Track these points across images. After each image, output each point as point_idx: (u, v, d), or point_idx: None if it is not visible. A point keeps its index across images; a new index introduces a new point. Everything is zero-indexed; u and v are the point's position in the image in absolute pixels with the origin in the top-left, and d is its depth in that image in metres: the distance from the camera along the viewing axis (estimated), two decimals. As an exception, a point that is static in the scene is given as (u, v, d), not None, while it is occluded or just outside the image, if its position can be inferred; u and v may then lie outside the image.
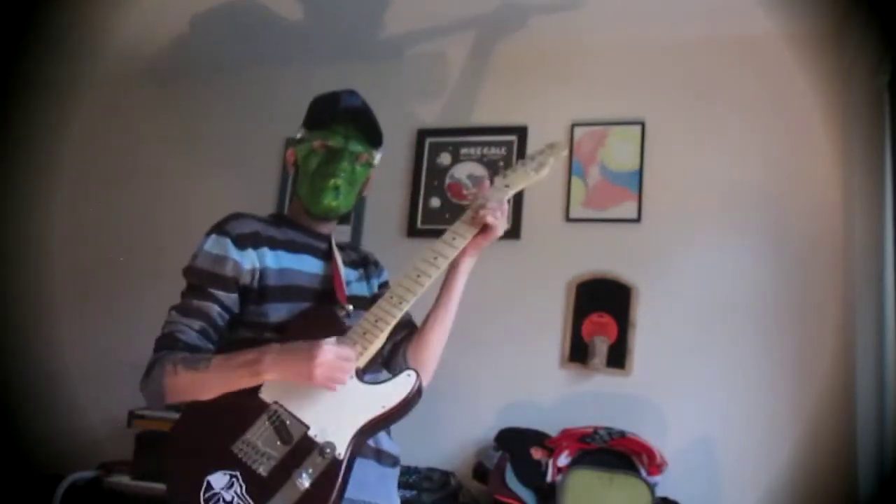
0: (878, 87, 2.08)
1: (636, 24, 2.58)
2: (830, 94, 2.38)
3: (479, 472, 2.39)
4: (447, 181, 2.82)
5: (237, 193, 3.08)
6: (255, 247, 1.45)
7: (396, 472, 1.52)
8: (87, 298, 3.18)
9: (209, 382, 1.31)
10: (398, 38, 2.83)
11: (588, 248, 2.59)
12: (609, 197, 2.61)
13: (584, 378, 2.51)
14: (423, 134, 2.88)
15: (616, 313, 2.51)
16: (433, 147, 2.85)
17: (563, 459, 2.24)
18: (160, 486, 2.31)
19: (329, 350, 1.26)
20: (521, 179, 1.53)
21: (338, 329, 1.38)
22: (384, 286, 1.69)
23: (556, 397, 2.52)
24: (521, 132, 2.76)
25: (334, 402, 1.31)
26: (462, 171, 2.81)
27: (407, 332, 1.58)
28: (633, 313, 2.49)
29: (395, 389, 1.34)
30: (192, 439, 1.34)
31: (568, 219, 2.64)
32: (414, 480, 2.33)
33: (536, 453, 2.28)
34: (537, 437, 2.33)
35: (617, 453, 2.23)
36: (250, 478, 1.25)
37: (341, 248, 1.63)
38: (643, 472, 2.18)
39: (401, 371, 1.37)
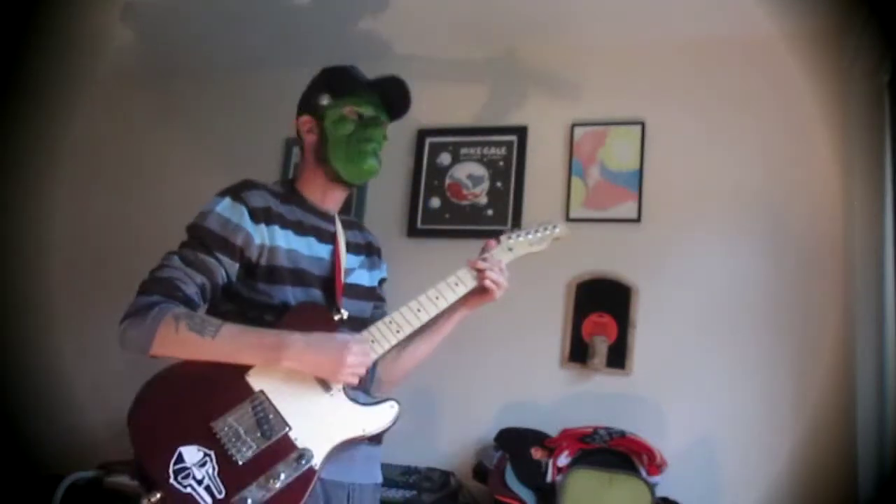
0: (878, 87, 2.08)
1: (636, 24, 2.58)
2: (830, 94, 2.38)
3: (479, 472, 2.39)
4: (447, 181, 2.82)
5: (237, 193, 3.08)
6: (268, 223, 1.43)
7: (380, 449, 1.52)
8: (88, 298, 3.18)
9: (212, 351, 1.27)
10: (398, 38, 2.83)
11: (588, 248, 2.59)
12: (609, 197, 2.61)
13: (584, 378, 2.51)
14: (423, 134, 2.87)
15: (616, 313, 2.51)
16: (433, 147, 2.85)
17: (563, 459, 2.24)
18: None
19: (357, 352, 1.30)
20: (523, 248, 1.64)
21: (324, 327, 1.38)
22: (383, 283, 1.70)
23: (556, 397, 2.52)
24: (521, 132, 2.76)
25: (318, 410, 1.32)
26: (462, 171, 2.81)
27: None
28: (633, 313, 2.49)
29: (377, 417, 1.37)
30: (170, 401, 1.27)
31: (568, 219, 2.64)
32: (414, 480, 2.33)
33: (536, 453, 2.28)
34: (537, 437, 2.33)
35: (617, 453, 2.23)
36: (225, 462, 1.22)
37: (348, 226, 1.62)
38: (643, 472, 2.18)
39: (384, 399, 1.40)
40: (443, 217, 2.78)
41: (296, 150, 3.03)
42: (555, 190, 2.67)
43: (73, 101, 3.39)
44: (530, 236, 1.64)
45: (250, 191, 1.45)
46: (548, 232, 1.67)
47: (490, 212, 2.74)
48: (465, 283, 1.51)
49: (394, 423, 1.38)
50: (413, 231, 2.81)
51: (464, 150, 2.83)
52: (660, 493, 2.18)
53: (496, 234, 1.62)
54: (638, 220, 2.56)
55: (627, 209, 2.58)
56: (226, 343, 1.27)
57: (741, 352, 2.37)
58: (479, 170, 2.79)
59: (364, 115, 1.54)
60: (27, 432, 2.98)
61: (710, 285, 2.44)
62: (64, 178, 3.35)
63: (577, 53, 2.74)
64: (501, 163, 2.77)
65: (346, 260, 1.53)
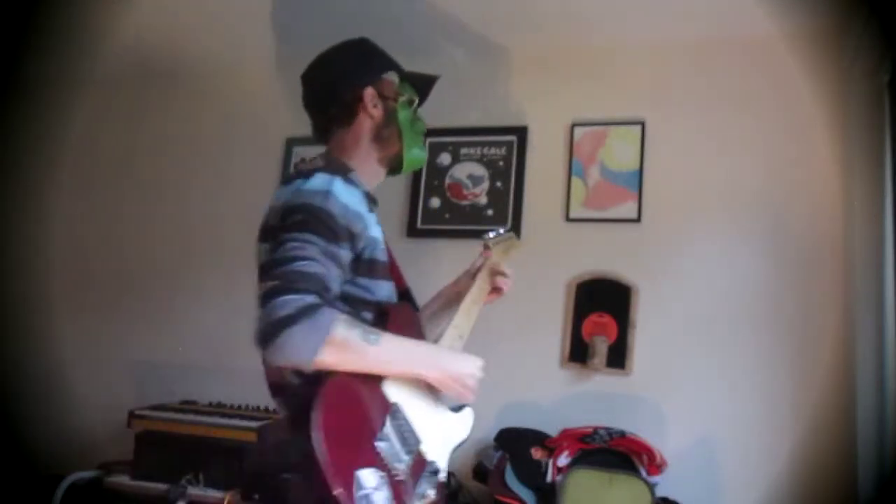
0: (878, 87, 2.08)
1: (636, 25, 2.58)
2: (830, 94, 2.38)
3: (479, 472, 2.39)
4: (447, 181, 2.82)
5: (237, 193, 3.09)
6: (370, 210, 1.34)
7: None
8: (88, 299, 3.18)
9: (374, 361, 1.16)
10: (397, 38, 2.82)
11: (588, 248, 2.59)
12: (609, 197, 2.61)
13: (584, 378, 2.51)
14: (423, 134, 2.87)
15: (616, 313, 2.51)
16: (433, 147, 2.85)
17: (563, 459, 2.24)
18: (160, 486, 2.34)
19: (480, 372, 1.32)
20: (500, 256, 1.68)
21: (417, 333, 1.37)
22: None
23: (556, 397, 2.52)
24: (521, 132, 2.76)
25: (434, 420, 1.31)
26: (462, 171, 2.81)
27: None
28: (633, 313, 2.49)
29: (466, 422, 1.41)
30: (340, 424, 1.12)
31: (568, 219, 2.64)
32: (414, 480, 2.33)
33: (536, 453, 2.28)
34: (537, 437, 2.33)
35: (617, 453, 2.23)
36: (392, 481, 1.15)
37: None
38: (643, 472, 2.18)
39: (463, 405, 1.41)
40: (443, 217, 2.79)
41: (296, 150, 3.03)
42: (555, 190, 2.67)
43: (72, 101, 3.40)
44: (503, 247, 1.70)
45: (353, 172, 1.34)
46: (504, 241, 1.71)
47: (490, 212, 2.74)
48: (489, 282, 1.57)
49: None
50: (413, 231, 2.81)
51: (464, 150, 2.83)
52: (660, 493, 2.18)
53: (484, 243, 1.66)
54: (638, 220, 2.55)
55: (627, 209, 2.58)
56: (386, 352, 1.18)
57: (741, 352, 2.37)
58: (479, 170, 2.79)
59: (415, 105, 1.52)
60: (27, 432, 2.98)
61: (710, 285, 2.44)
62: (63, 179, 3.35)
63: (577, 53, 2.74)
64: (501, 163, 2.77)
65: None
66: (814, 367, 2.28)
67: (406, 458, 1.20)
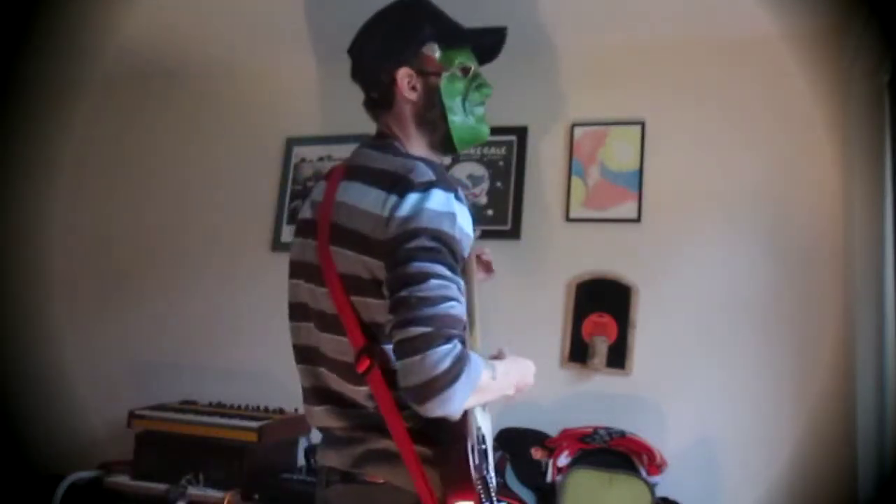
0: (878, 87, 2.08)
1: (636, 25, 2.58)
2: (830, 94, 2.38)
3: (479, 472, 2.39)
4: (447, 181, 2.81)
5: (237, 193, 3.09)
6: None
7: None
8: (87, 299, 3.18)
9: (493, 394, 1.17)
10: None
11: (588, 248, 2.59)
12: (609, 197, 2.61)
13: (584, 378, 2.51)
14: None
15: (616, 313, 2.51)
16: (433, 147, 2.85)
17: (563, 459, 2.24)
18: (160, 486, 2.34)
19: None
20: None
21: None
22: None
23: (556, 397, 2.52)
24: (521, 132, 2.76)
25: (484, 425, 1.25)
26: (462, 171, 2.81)
27: None
28: (633, 313, 2.49)
29: (488, 416, 1.33)
30: (452, 463, 1.11)
31: (568, 219, 2.64)
32: (414, 480, 2.33)
33: (536, 453, 2.29)
34: (537, 437, 2.33)
35: (617, 453, 2.23)
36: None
37: None
38: (643, 472, 2.19)
39: None
40: (443, 217, 2.78)
41: (296, 150, 3.03)
42: (555, 190, 2.67)
43: (73, 101, 3.40)
44: None
45: (450, 176, 1.24)
46: None
47: (490, 212, 2.74)
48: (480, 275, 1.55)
49: None
50: (413, 231, 2.80)
51: (464, 150, 2.82)
52: (660, 493, 2.18)
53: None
54: (638, 220, 2.55)
55: (627, 209, 2.58)
56: (501, 383, 1.17)
57: (741, 352, 2.37)
58: (479, 170, 2.79)
59: (473, 71, 1.35)
60: (27, 432, 2.98)
61: (710, 285, 2.44)
62: (64, 179, 3.35)
63: (577, 53, 2.74)
64: (501, 163, 2.77)
65: None
66: (814, 367, 2.28)
67: (493, 474, 1.21)
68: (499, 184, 2.75)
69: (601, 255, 2.57)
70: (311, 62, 3.02)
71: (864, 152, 2.12)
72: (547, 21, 2.61)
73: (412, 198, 1.10)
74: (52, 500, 2.40)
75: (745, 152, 2.49)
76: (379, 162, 1.21)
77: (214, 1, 2.65)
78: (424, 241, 1.07)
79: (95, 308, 3.16)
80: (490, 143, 2.79)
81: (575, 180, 2.66)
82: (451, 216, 1.10)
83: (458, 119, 1.31)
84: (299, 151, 3.02)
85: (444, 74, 1.30)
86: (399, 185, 1.12)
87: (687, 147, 2.56)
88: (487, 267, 1.62)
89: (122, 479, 2.45)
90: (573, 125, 2.70)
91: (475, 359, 1.06)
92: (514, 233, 2.66)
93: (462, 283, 1.10)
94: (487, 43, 1.39)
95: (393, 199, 1.11)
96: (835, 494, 2.14)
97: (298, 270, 1.26)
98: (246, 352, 2.88)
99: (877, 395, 1.96)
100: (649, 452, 2.20)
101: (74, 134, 3.38)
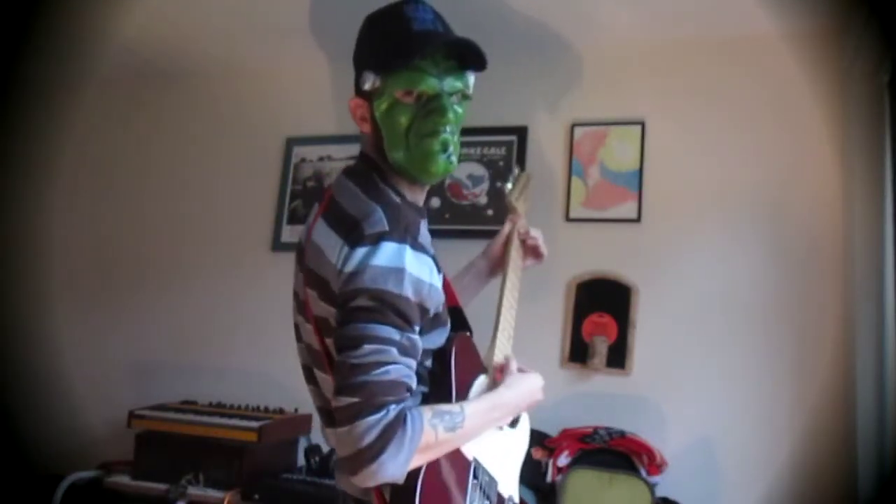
0: (878, 87, 2.08)
1: (636, 24, 2.58)
2: (830, 94, 2.38)
3: (479, 472, 2.39)
4: (447, 181, 2.81)
5: (237, 193, 3.09)
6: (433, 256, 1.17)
7: None
8: (87, 299, 3.18)
9: (462, 441, 1.12)
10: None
11: (588, 248, 2.59)
12: (609, 197, 2.61)
13: (584, 378, 2.51)
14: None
15: (616, 313, 2.51)
16: (433, 147, 2.85)
17: (563, 459, 2.24)
18: (160, 486, 2.34)
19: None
20: (524, 207, 1.63)
21: (479, 359, 1.28)
22: None
23: (556, 397, 2.52)
24: (521, 132, 2.76)
25: (502, 448, 1.24)
26: (462, 171, 2.81)
27: None
28: (633, 313, 2.49)
29: (525, 428, 1.32)
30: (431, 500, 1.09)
31: (568, 219, 2.64)
32: (414, 480, 2.33)
33: (536, 453, 2.28)
34: (537, 437, 2.33)
35: (617, 453, 2.23)
36: None
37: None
38: (643, 472, 2.18)
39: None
40: (443, 217, 2.78)
41: (296, 150, 3.03)
42: (555, 190, 2.67)
43: (73, 101, 3.40)
44: (521, 194, 1.64)
45: (417, 225, 1.14)
46: (520, 184, 1.65)
47: (490, 212, 2.74)
48: (519, 262, 1.51)
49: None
50: (413, 231, 2.80)
51: (464, 150, 2.81)
52: (660, 493, 2.18)
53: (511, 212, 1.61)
54: (638, 220, 2.55)
55: (627, 209, 2.58)
56: (474, 428, 1.12)
57: (741, 352, 2.37)
58: (479, 170, 2.79)
59: (424, 95, 1.14)
60: (27, 432, 2.98)
61: (710, 285, 2.44)
62: (64, 179, 3.35)
63: (577, 53, 2.74)
64: (501, 163, 2.77)
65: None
66: (814, 367, 2.28)
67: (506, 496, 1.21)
68: (499, 184, 2.75)
69: (601, 254, 2.57)
70: (311, 62, 3.02)
71: (864, 152, 2.12)
72: (547, 21, 2.61)
73: (359, 253, 1.04)
74: (52, 500, 2.41)
75: (744, 152, 2.49)
76: (346, 199, 1.15)
77: (214, 1, 2.65)
78: (364, 302, 1.02)
79: (95, 308, 3.16)
80: (490, 143, 2.79)
81: (575, 180, 2.66)
82: (398, 272, 1.03)
83: (399, 155, 1.15)
84: (299, 151, 3.03)
85: (376, 103, 1.15)
86: (352, 234, 1.07)
87: (687, 147, 2.56)
88: (535, 252, 1.56)
89: (122, 479, 2.45)
90: (573, 125, 2.70)
91: (414, 422, 1.00)
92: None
93: (415, 338, 1.05)
94: (459, 54, 1.18)
95: (346, 250, 1.06)
96: (835, 494, 2.14)
97: (294, 296, 1.23)
98: (246, 352, 2.88)
99: (877, 395, 1.96)
100: (649, 452, 2.20)
101: (74, 134, 3.38)
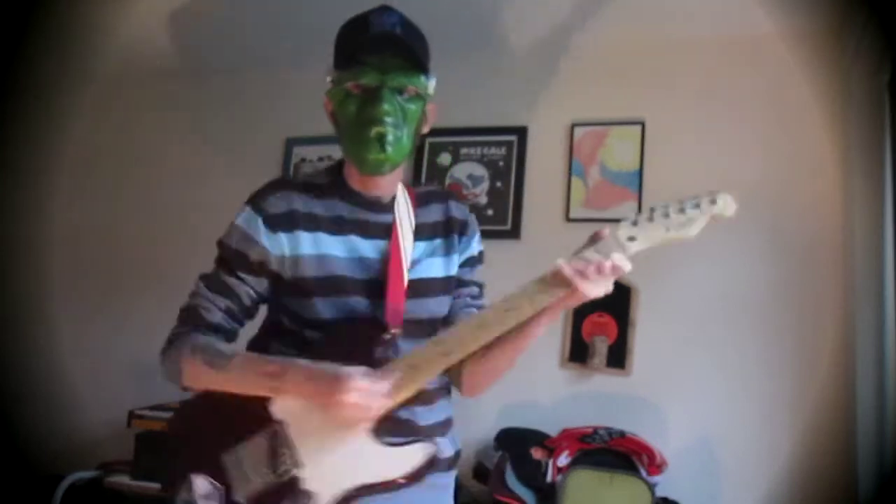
0: (878, 87, 2.08)
1: (636, 24, 2.58)
2: (830, 93, 2.38)
3: (479, 472, 2.39)
4: (447, 181, 2.82)
5: (237, 193, 3.08)
6: (289, 230, 1.24)
7: (450, 476, 1.35)
8: (87, 298, 3.18)
9: (225, 383, 1.18)
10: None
11: (588, 248, 2.58)
12: (609, 197, 2.61)
13: (584, 378, 2.51)
14: (423, 134, 2.87)
15: (616, 313, 2.51)
16: (433, 147, 2.85)
17: (563, 459, 2.24)
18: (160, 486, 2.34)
19: (358, 384, 1.06)
20: (653, 237, 1.24)
21: (366, 359, 1.15)
22: (470, 263, 1.40)
23: (556, 397, 2.52)
24: (521, 132, 2.76)
25: (341, 450, 1.16)
26: (462, 171, 2.81)
27: None
28: (633, 313, 2.49)
29: (405, 460, 1.17)
30: (193, 427, 1.27)
31: (568, 219, 2.64)
32: (414, 480, 2.33)
33: (536, 453, 2.28)
34: (537, 437, 2.33)
35: (617, 453, 2.23)
36: (225, 495, 1.18)
37: (425, 201, 1.36)
38: (643, 472, 2.18)
39: (418, 439, 1.21)
40: (443, 217, 2.78)
41: (296, 150, 3.04)
42: (555, 190, 2.67)
43: (73, 101, 3.40)
44: (668, 219, 1.23)
45: (274, 194, 1.28)
46: (698, 210, 1.23)
47: (490, 212, 2.74)
48: (549, 292, 1.25)
49: (423, 466, 1.18)
50: (413, 231, 2.80)
51: (464, 150, 2.83)
52: (660, 493, 2.18)
53: (599, 230, 1.26)
54: (638, 220, 2.55)
55: (627, 209, 2.57)
56: (237, 374, 1.17)
57: (741, 351, 2.37)
58: (479, 170, 2.79)
59: (367, 88, 1.22)
60: (27, 432, 2.98)
61: (710, 285, 2.44)
62: (64, 179, 3.35)
63: (576, 53, 2.74)
64: (501, 163, 2.77)
65: (410, 251, 1.29)
66: (814, 367, 2.28)
67: (259, 478, 1.16)
68: (499, 184, 2.75)
69: (601, 255, 2.56)
70: (311, 62, 3.01)
71: (864, 152, 2.12)
72: (547, 21, 2.61)
73: None
74: (52, 500, 2.41)
75: (744, 152, 2.48)
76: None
77: (214, 1, 2.65)
78: (218, 249, 1.33)
79: (95, 308, 3.16)
80: (490, 143, 2.79)
81: (575, 180, 2.66)
82: (231, 225, 1.32)
83: (345, 145, 1.28)
84: (299, 151, 3.02)
85: (334, 97, 1.28)
86: None
87: (687, 147, 2.56)
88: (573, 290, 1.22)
89: (122, 479, 2.45)
90: (573, 125, 2.70)
91: (185, 341, 1.22)
92: (514, 233, 2.66)
93: (221, 277, 1.29)
94: (393, 45, 1.23)
95: None
96: (835, 494, 2.14)
97: None
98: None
99: (877, 395, 1.96)
100: (649, 452, 2.20)
101: (74, 134, 3.37)
